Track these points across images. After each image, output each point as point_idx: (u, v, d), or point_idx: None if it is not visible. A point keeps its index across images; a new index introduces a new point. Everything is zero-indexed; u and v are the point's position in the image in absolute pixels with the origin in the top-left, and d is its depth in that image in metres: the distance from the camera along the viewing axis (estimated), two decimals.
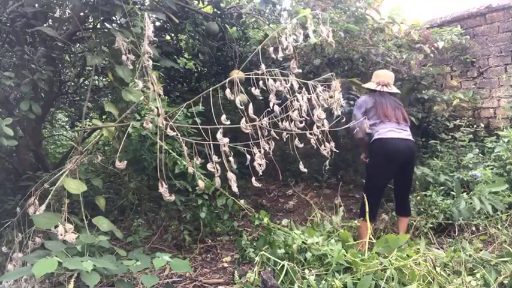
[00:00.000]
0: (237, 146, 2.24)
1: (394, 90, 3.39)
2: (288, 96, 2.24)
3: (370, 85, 3.42)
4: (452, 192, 3.69)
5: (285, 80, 2.23)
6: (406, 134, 3.20)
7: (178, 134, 2.28)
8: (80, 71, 4.25)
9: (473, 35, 5.21)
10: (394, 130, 3.17)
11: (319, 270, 2.35)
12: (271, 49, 2.31)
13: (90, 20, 3.72)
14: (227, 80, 2.27)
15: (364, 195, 3.06)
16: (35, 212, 2.20)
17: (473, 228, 3.42)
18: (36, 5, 2.93)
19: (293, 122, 2.23)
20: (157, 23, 4.20)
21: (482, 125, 4.76)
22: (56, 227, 2.12)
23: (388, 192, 3.84)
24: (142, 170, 3.76)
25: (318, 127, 2.24)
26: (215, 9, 4.31)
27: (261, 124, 2.24)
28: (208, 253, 3.39)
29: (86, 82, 4.54)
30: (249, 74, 2.28)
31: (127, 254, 2.39)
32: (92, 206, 3.00)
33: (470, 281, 2.40)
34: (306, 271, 2.30)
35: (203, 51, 4.31)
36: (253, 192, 4.72)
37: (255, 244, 2.80)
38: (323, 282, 2.19)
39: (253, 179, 2.23)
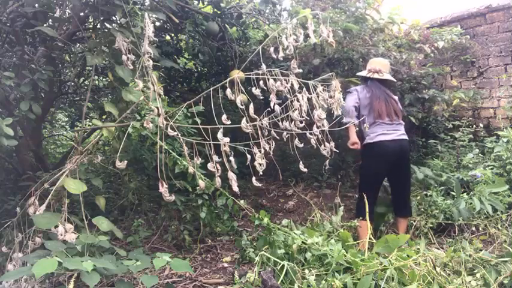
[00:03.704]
0: (238, 145, 2.24)
1: (386, 76, 3.31)
2: (288, 96, 2.24)
3: (361, 73, 3.40)
4: (452, 193, 3.69)
5: (285, 79, 2.23)
6: (398, 133, 3.18)
7: (179, 134, 2.28)
8: (80, 71, 4.25)
9: (473, 35, 5.21)
10: (385, 133, 3.15)
11: (319, 270, 2.35)
12: (271, 49, 2.31)
13: (90, 20, 3.72)
14: (227, 80, 2.27)
15: (364, 195, 3.06)
16: (35, 212, 2.20)
17: (473, 228, 3.42)
18: (36, 5, 2.93)
19: (293, 122, 2.23)
20: (157, 23, 4.20)
21: (482, 125, 4.76)
22: (56, 227, 2.12)
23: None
24: (142, 170, 3.76)
25: (318, 127, 2.24)
26: (215, 9, 4.31)
27: (261, 124, 2.24)
28: (208, 253, 3.39)
29: (86, 82, 4.54)
30: (249, 74, 2.28)
31: (127, 254, 2.38)
32: (92, 206, 3.00)
33: (470, 281, 2.40)
34: (306, 271, 2.30)
35: (203, 51, 4.30)
36: (253, 192, 4.71)
37: (255, 244, 2.80)
38: (323, 282, 2.19)
39: (253, 178, 2.23)
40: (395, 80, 3.64)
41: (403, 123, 3.31)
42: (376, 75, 3.28)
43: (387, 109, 3.19)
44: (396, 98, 3.39)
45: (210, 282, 2.86)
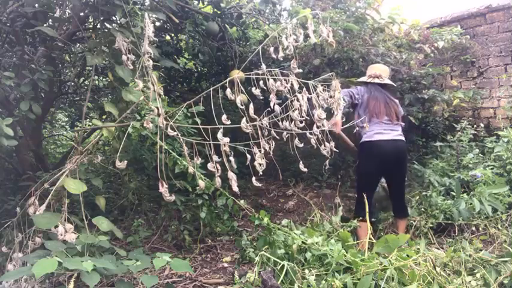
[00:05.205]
0: (238, 145, 2.24)
1: (386, 81, 3.35)
2: (288, 96, 2.24)
3: (362, 78, 3.42)
4: (452, 193, 3.69)
5: (285, 79, 2.23)
6: (394, 134, 3.18)
7: (179, 134, 2.28)
8: (80, 71, 4.25)
9: (473, 35, 5.20)
10: (382, 132, 3.16)
11: (319, 270, 2.35)
12: (271, 49, 2.31)
13: (90, 20, 3.72)
14: (227, 80, 2.27)
15: (363, 195, 3.06)
16: (35, 212, 2.20)
17: (473, 228, 3.42)
18: (36, 5, 2.93)
19: (293, 122, 2.23)
20: (157, 23, 4.20)
21: (482, 125, 4.75)
22: (56, 227, 2.12)
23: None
24: (142, 170, 3.76)
25: (318, 127, 2.24)
26: (215, 9, 4.31)
27: (261, 124, 2.24)
28: (208, 253, 3.39)
29: (86, 82, 4.54)
30: (249, 74, 2.28)
31: (127, 254, 2.38)
32: (92, 206, 3.00)
33: (470, 281, 2.40)
34: (306, 271, 2.30)
35: (203, 51, 4.30)
36: (253, 192, 4.71)
37: (255, 244, 2.80)
38: (323, 282, 2.19)
39: (253, 178, 2.23)
40: (395, 85, 3.67)
41: (402, 125, 3.31)
42: (376, 80, 3.30)
43: (387, 110, 3.20)
44: (397, 101, 3.41)
45: (210, 282, 2.86)
